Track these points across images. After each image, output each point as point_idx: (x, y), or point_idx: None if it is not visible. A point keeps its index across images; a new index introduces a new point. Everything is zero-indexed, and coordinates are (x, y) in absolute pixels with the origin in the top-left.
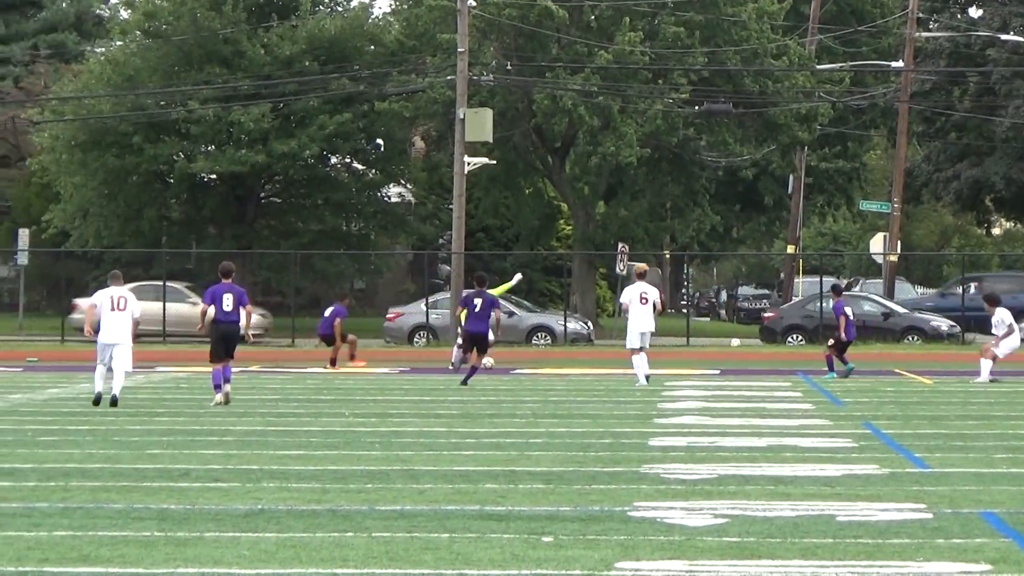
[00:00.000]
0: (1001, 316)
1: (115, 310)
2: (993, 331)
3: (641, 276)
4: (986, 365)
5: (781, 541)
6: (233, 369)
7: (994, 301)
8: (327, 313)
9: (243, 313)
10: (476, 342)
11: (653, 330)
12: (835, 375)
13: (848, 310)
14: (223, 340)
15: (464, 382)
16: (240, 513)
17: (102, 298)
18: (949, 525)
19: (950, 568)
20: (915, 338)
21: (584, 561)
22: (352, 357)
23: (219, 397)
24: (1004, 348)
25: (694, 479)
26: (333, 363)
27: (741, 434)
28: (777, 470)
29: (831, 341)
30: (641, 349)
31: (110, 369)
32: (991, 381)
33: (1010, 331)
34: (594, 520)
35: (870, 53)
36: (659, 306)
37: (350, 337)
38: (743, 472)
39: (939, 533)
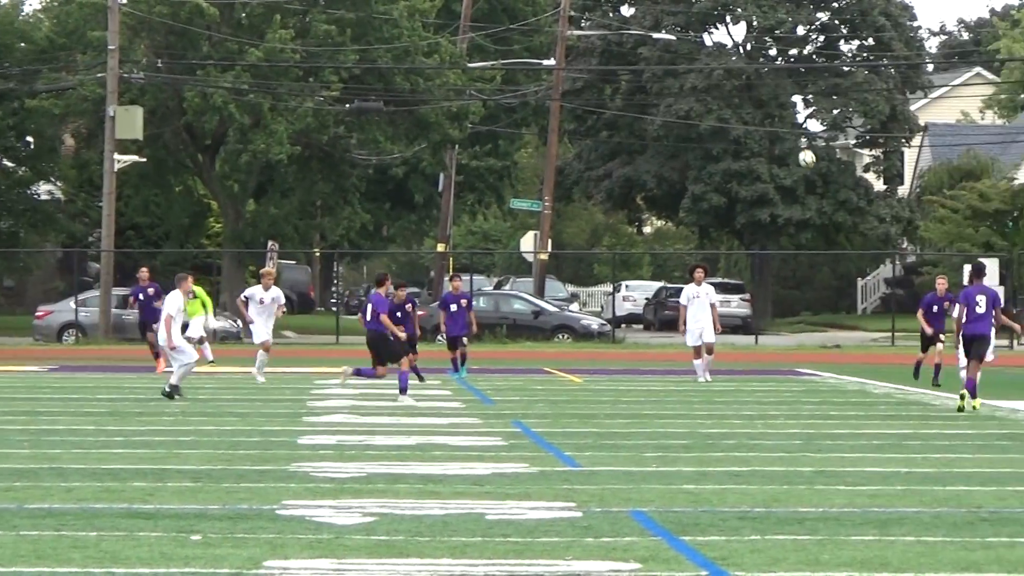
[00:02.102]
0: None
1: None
2: None
3: (264, 277)
4: (698, 364)
5: (430, 540)
6: None
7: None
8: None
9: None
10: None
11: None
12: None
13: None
14: (369, 347)
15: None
16: None
17: None
18: (599, 523)
19: (599, 566)
20: (565, 336)
21: (232, 559)
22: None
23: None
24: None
25: (343, 477)
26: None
27: (391, 432)
28: (427, 468)
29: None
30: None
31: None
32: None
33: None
34: (243, 518)
35: (522, 51)
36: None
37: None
38: (392, 471)
39: (589, 532)
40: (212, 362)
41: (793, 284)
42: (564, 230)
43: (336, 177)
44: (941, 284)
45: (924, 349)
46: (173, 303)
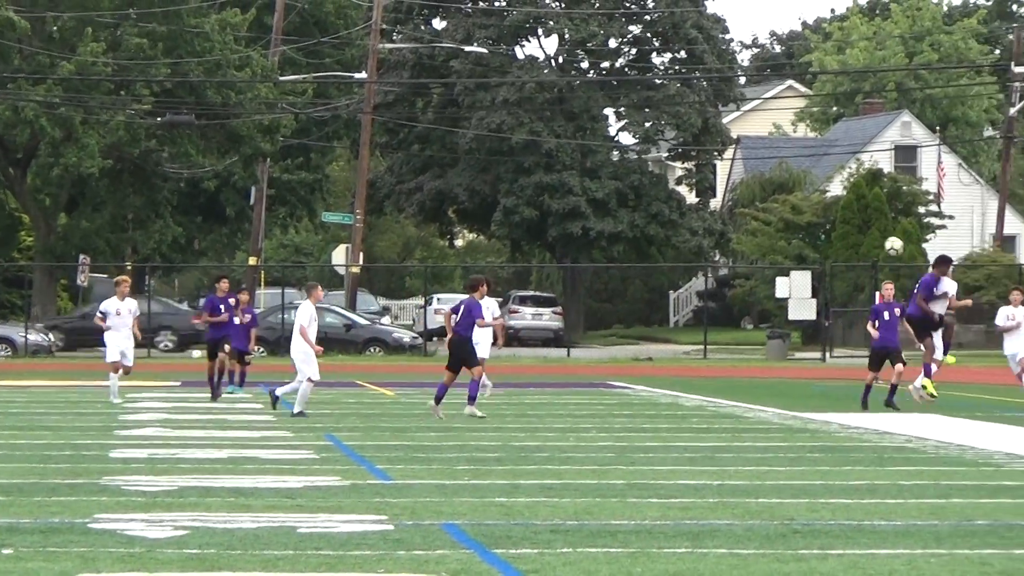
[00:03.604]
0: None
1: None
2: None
3: (119, 284)
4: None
5: (242, 553)
6: None
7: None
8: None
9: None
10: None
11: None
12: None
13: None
14: (450, 349)
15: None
16: None
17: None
18: (411, 536)
19: None
20: (377, 350)
21: (44, 573)
22: None
23: (437, 413)
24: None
25: (155, 491)
26: None
27: (202, 446)
28: (238, 482)
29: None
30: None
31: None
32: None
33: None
34: (54, 532)
35: (333, 64)
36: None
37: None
38: (204, 484)
39: (400, 544)
40: None
41: (605, 297)
42: (376, 243)
43: (148, 190)
44: (888, 289)
45: (873, 367)
46: (305, 313)
